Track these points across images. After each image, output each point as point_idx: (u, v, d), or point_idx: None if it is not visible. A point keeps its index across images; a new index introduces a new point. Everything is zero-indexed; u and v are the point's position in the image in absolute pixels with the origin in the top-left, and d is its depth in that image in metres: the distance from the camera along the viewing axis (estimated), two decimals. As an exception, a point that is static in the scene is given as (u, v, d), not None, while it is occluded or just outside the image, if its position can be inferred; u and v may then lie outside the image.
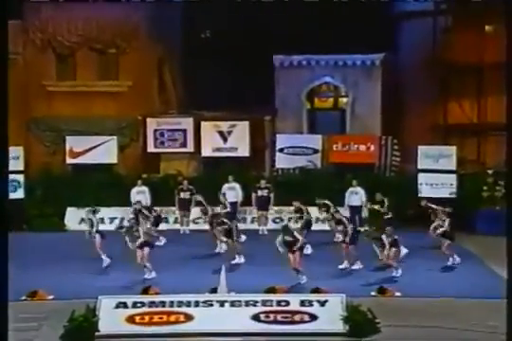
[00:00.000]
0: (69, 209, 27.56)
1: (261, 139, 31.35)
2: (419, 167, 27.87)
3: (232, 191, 26.92)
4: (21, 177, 27.32)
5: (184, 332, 16.13)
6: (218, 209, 23.65)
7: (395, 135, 30.32)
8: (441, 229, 21.92)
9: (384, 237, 20.49)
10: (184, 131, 30.56)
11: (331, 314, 16.38)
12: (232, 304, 16.75)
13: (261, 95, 30.93)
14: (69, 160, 29.63)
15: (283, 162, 30.17)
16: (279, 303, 16.79)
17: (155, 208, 25.47)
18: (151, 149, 30.82)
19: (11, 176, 24.15)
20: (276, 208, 26.83)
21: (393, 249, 20.53)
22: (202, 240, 24.18)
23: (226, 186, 26.91)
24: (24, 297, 18.23)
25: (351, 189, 26.57)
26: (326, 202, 24.32)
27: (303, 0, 29.65)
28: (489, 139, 30.77)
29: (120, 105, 30.69)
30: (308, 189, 26.11)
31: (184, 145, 30.56)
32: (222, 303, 16.76)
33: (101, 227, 23.10)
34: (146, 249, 20.30)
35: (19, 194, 26.98)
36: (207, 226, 24.20)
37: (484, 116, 31.08)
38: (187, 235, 26.47)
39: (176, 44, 32.72)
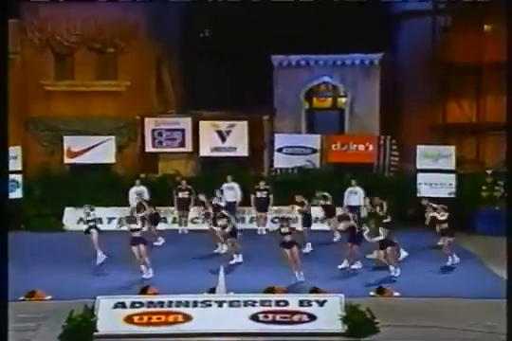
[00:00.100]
0: (67, 209, 27.52)
1: (259, 139, 31.32)
2: (418, 167, 27.83)
3: (231, 191, 26.88)
4: (19, 177, 27.27)
5: (182, 332, 16.13)
6: (215, 201, 23.83)
7: (394, 135, 30.30)
8: (443, 225, 21.89)
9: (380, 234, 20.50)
10: (182, 130, 30.52)
11: (330, 314, 16.37)
12: (231, 304, 16.74)
13: (259, 94, 30.91)
14: (67, 160, 29.57)
15: (281, 162, 30.13)
16: (277, 303, 16.78)
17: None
18: (149, 149, 30.78)
19: (9, 176, 24.09)
20: (275, 208, 26.78)
21: (389, 248, 20.45)
22: (201, 240, 24.16)
23: (224, 185, 26.87)
24: (22, 297, 18.19)
25: (350, 189, 26.56)
26: (325, 194, 24.73)
27: (302, 0, 29.62)
28: (488, 139, 30.77)
29: (119, 105, 30.64)
30: (307, 189, 26.02)
31: (182, 145, 30.52)
32: (220, 303, 16.75)
33: (101, 227, 23.13)
34: (142, 246, 20.26)
35: (17, 194, 26.93)
36: (206, 226, 24.21)
37: (484, 116, 31.09)
38: (185, 235, 26.42)
39: (175, 44, 32.71)
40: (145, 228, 24.20)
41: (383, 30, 31.06)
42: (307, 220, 23.87)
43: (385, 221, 21.48)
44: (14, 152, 26.14)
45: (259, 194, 26.61)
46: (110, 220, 26.70)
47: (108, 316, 16.34)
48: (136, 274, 20.18)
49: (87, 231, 22.14)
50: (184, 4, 31.63)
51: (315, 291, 18.01)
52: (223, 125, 30.34)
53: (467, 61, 30.44)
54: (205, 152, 30.43)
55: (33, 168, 29.01)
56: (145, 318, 16.43)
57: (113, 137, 29.58)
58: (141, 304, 16.74)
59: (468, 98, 31.43)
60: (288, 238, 19.96)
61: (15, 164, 26.34)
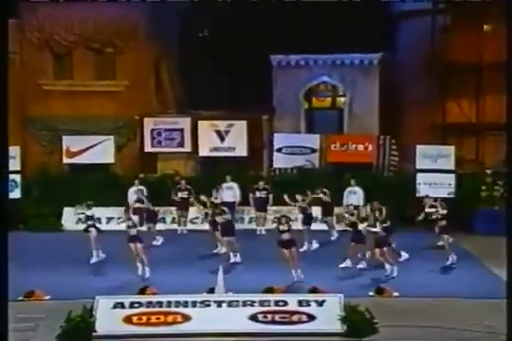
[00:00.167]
0: (66, 209, 27.49)
1: (258, 139, 31.29)
2: (417, 166, 27.83)
3: (230, 191, 26.86)
4: (18, 177, 27.24)
5: (181, 332, 16.09)
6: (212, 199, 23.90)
7: (394, 135, 30.28)
8: (441, 223, 21.86)
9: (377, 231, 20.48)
10: (181, 130, 30.50)
11: (329, 315, 16.34)
12: (230, 304, 16.70)
13: (258, 94, 30.88)
14: (66, 160, 29.56)
15: (280, 162, 30.11)
16: (277, 303, 16.75)
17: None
18: (148, 148, 30.75)
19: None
20: (274, 208, 26.74)
21: (386, 247, 20.40)
22: (200, 240, 24.15)
23: (223, 185, 26.86)
24: (21, 298, 18.16)
25: (349, 189, 26.54)
26: (325, 190, 24.85)
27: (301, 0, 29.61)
28: (488, 139, 30.74)
29: (118, 105, 30.60)
30: (306, 189, 25.97)
31: (181, 145, 30.50)
32: (219, 303, 16.72)
33: (100, 227, 23.12)
34: (138, 244, 20.24)
35: (16, 194, 26.90)
36: (205, 226, 24.18)
37: (483, 116, 31.05)
38: (184, 235, 26.38)
39: (174, 44, 32.67)
40: (144, 228, 24.26)
41: (382, 30, 31.04)
42: (308, 218, 23.83)
43: (384, 225, 21.42)
44: (13, 151, 26.08)
45: (258, 194, 26.60)
46: (109, 220, 26.69)
47: (107, 317, 16.30)
48: (135, 274, 20.14)
49: (86, 230, 22.10)
50: (183, 4, 31.58)
51: (314, 291, 17.98)
52: (222, 125, 30.32)
53: (467, 60, 30.40)
54: (204, 151, 30.41)
55: (32, 168, 29.00)
56: (144, 318, 16.40)
57: (112, 137, 29.56)
58: (140, 304, 16.70)
59: (468, 97, 31.40)
60: (286, 236, 19.93)
61: (14, 164, 26.31)
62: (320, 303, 16.69)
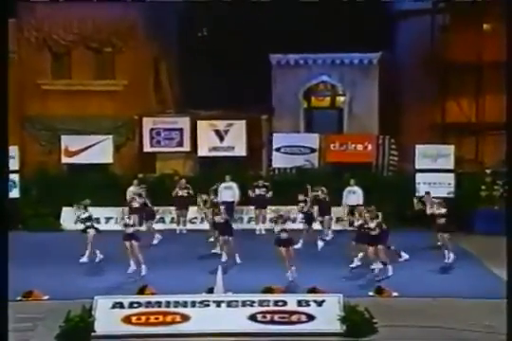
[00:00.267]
0: (65, 209, 27.43)
1: (258, 138, 31.26)
2: (417, 166, 27.80)
3: (229, 191, 26.81)
4: (16, 177, 27.19)
5: (180, 332, 16.06)
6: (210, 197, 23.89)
7: (393, 135, 30.26)
8: (440, 221, 21.81)
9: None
10: (180, 130, 30.46)
11: (328, 315, 16.33)
12: (229, 304, 16.68)
13: (258, 94, 30.84)
14: (65, 159, 29.50)
15: (280, 161, 30.08)
16: (276, 303, 16.73)
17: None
18: (147, 148, 30.71)
19: (8, 176, 24.04)
20: (273, 208, 26.66)
21: (380, 246, 20.33)
22: (199, 239, 24.13)
23: (222, 185, 26.81)
24: (19, 298, 18.12)
25: (348, 189, 26.49)
26: (322, 188, 24.78)
27: (301, -1, 29.64)
28: (487, 138, 30.73)
29: (116, 104, 30.56)
30: (305, 189, 25.92)
31: (180, 144, 30.46)
32: (218, 303, 16.69)
33: (98, 227, 23.05)
34: (134, 242, 20.19)
35: (14, 194, 26.84)
36: (204, 226, 24.14)
37: (483, 116, 31.05)
38: (183, 234, 26.32)
39: (173, 44, 32.63)
40: (143, 228, 24.21)
41: (382, 29, 31.01)
42: (309, 218, 23.76)
43: (378, 222, 21.36)
44: (12, 151, 25.98)
45: (258, 191, 26.54)
46: (108, 220, 26.64)
47: (106, 317, 16.28)
48: (134, 274, 20.10)
49: (84, 231, 22.00)
50: (182, 3, 31.54)
51: (313, 291, 17.94)
52: (221, 124, 30.28)
53: (467, 60, 30.38)
54: (203, 151, 30.36)
55: (30, 167, 28.96)
56: (143, 318, 16.38)
57: (110, 137, 29.51)
58: (139, 304, 16.68)
59: (468, 97, 31.37)
60: (284, 235, 19.87)
61: (12, 163, 26.19)
62: (320, 303, 16.66)
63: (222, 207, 22.48)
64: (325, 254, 22.88)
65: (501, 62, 23.87)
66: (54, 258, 22.24)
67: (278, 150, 30.17)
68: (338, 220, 26.76)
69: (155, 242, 24.32)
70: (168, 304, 16.65)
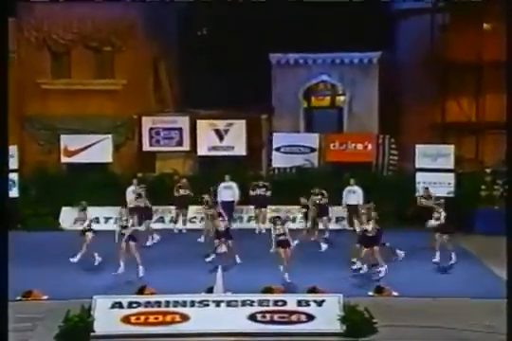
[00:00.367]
0: (64, 209, 27.40)
1: (257, 138, 31.24)
2: (417, 166, 27.76)
3: (229, 190, 26.77)
4: (15, 176, 27.16)
5: (180, 332, 16.02)
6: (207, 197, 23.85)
7: (393, 134, 30.23)
8: (436, 222, 21.77)
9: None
10: (180, 129, 30.44)
11: (328, 314, 16.29)
12: (229, 304, 16.64)
13: (257, 93, 30.83)
14: (64, 159, 29.47)
15: (279, 161, 30.05)
16: (275, 303, 16.68)
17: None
18: (146, 147, 30.68)
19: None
20: (273, 207, 26.66)
21: (376, 247, 20.26)
22: (198, 239, 24.13)
23: (222, 185, 26.78)
24: (18, 297, 18.09)
25: (348, 188, 26.43)
26: (323, 191, 24.70)
27: (300, -1, 29.59)
28: (488, 138, 30.70)
29: (116, 103, 30.54)
30: (305, 188, 25.92)
31: (180, 144, 30.44)
32: (218, 303, 16.65)
33: (97, 227, 23.02)
34: (131, 243, 20.14)
35: (13, 193, 26.79)
36: (205, 225, 24.11)
37: (483, 115, 31.02)
38: (184, 234, 26.28)
39: (172, 43, 32.62)
40: (141, 228, 24.14)
41: (382, 29, 30.97)
42: (313, 222, 23.74)
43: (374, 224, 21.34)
44: (11, 150, 25.92)
45: (258, 191, 26.49)
46: (107, 219, 26.58)
47: (105, 316, 16.24)
48: (133, 273, 20.06)
49: (83, 233, 21.87)
50: (181, 3, 31.51)
51: (313, 291, 17.91)
52: (221, 124, 30.26)
53: (467, 59, 30.35)
54: (203, 151, 30.34)
55: (30, 167, 28.92)
56: (142, 318, 16.33)
57: (110, 136, 29.48)
58: (138, 304, 16.63)
59: (468, 96, 31.34)
60: (282, 238, 19.82)
61: (12, 163, 26.14)
62: (320, 303, 16.63)
63: (223, 212, 22.42)
64: (325, 254, 22.86)
65: (501, 62, 23.84)
66: (53, 257, 22.17)
67: (278, 149, 30.15)
68: (338, 219, 26.75)
69: (148, 243, 24.02)
70: (167, 304, 16.60)
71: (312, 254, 22.54)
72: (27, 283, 18.71)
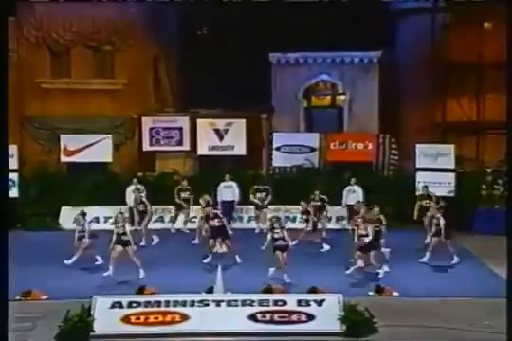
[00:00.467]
0: (64, 208, 27.38)
1: (257, 137, 31.22)
2: (417, 165, 27.75)
3: (229, 190, 26.73)
4: (15, 176, 27.13)
5: (180, 332, 15.98)
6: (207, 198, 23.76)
7: (393, 134, 30.23)
8: (434, 228, 21.75)
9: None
10: (180, 129, 30.43)
11: (328, 314, 16.23)
12: (229, 304, 16.60)
13: (257, 93, 30.77)
14: (64, 159, 29.46)
15: (280, 160, 30.05)
16: (276, 303, 16.64)
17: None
18: (146, 147, 30.66)
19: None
20: (273, 207, 26.62)
21: (372, 252, 20.22)
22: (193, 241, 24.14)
23: (222, 184, 26.74)
24: (18, 297, 18.06)
25: (348, 188, 26.40)
26: (324, 197, 24.64)
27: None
28: (488, 138, 30.67)
29: (116, 103, 30.50)
30: (305, 188, 25.91)
31: (180, 143, 30.43)
32: (218, 303, 16.61)
33: (97, 226, 22.98)
34: (128, 248, 20.10)
35: (13, 193, 26.76)
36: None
37: (483, 115, 31.00)
38: (184, 234, 26.22)
39: (172, 42, 32.58)
40: (141, 227, 24.11)
41: (382, 28, 30.92)
42: (313, 225, 23.70)
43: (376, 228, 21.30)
44: (11, 150, 25.92)
45: (258, 195, 26.36)
46: (107, 219, 26.53)
47: (105, 316, 16.19)
48: (132, 273, 20.04)
49: (79, 239, 21.76)
50: (181, 2, 31.47)
51: (313, 290, 17.88)
52: (221, 123, 30.25)
53: (467, 59, 30.33)
54: (203, 150, 30.34)
55: (30, 166, 28.89)
56: (142, 318, 16.28)
57: (110, 136, 29.47)
58: (138, 304, 16.58)
59: (468, 96, 31.32)
60: (280, 242, 19.78)
61: (11, 163, 26.09)
62: (320, 303, 16.59)
63: (218, 212, 22.39)
64: (325, 253, 22.83)
65: (501, 61, 23.78)
66: (53, 257, 22.12)
67: (278, 149, 30.15)
68: (338, 219, 26.73)
69: (142, 243, 23.88)
70: (167, 304, 16.55)
71: (312, 254, 22.52)
72: (27, 283, 18.68)
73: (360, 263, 20.17)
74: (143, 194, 25.43)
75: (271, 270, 19.67)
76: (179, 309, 16.43)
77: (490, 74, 29.37)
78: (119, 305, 16.51)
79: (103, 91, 30.72)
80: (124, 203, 26.26)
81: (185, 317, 16.26)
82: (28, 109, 30.74)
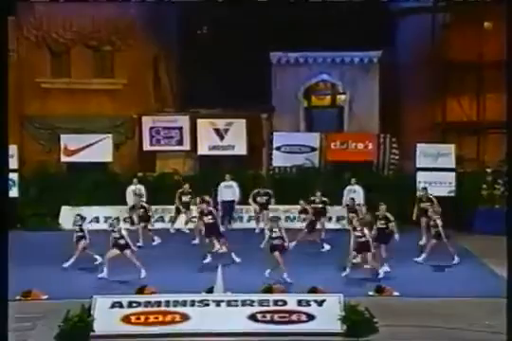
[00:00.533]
0: (64, 208, 27.37)
1: (258, 137, 31.20)
2: (418, 165, 27.74)
3: (229, 190, 26.71)
4: (15, 176, 27.12)
5: (180, 332, 15.97)
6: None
7: (394, 133, 30.21)
8: (434, 230, 21.74)
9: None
10: (180, 128, 30.42)
11: (328, 314, 16.22)
12: (229, 304, 16.58)
13: (258, 92, 30.74)
14: (64, 158, 29.45)
15: (280, 160, 30.03)
16: (276, 303, 16.63)
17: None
18: (146, 147, 30.65)
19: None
20: (273, 207, 26.59)
21: (369, 253, 20.19)
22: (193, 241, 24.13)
23: (222, 184, 26.73)
24: (18, 297, 18.06)
25: (349, 188, 26.38)
26: (325, 199, 24.55)
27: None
28: (488, 137, 30.65)
29: (116, 103, 30.48)
30: (306, 188, 25.90)
31: (180, 143, 30.42)
32: (218, 303, 16.60)
33: (97, 226, 22.95)
34: (127, 252, 20.07)
35: (13, 193, 26.75)
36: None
37: (483, 114, 30.96)
38: (184, 234, 26.21)
39: (172, 42, 32.54)
40: (140, 226, 24.10)
41: (382, 28, 30.89)
42: (311, 225, 23.68)
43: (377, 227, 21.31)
44: (11, 150, 25.87)
45: (259, 199, 26.24)
46: (106, 219, 26.49)
47: (105, 316, 16.18)
48: (133, 273, 20.03)
49: (77, 240, 21.73)
50: (181, 2, 31.45)
51: (313, 290, 17.87)
52: (221, 123, 30.24)
53: (467, 59, 30.30)
54: (203, 150, 30.33)
55: (30, 166, 28.88)
56: (142, 318, 16.27)
57: (110, 136, 29.46)
58: (138, 304, 16.56)
59: (468, 96, 31.28)
60: (277, 241, 19.78)
61: (12, 162, 26.08)
62: (320, 303, 16.58)
63: (213, 209, 22.37)
64: (325, 253, 22.82)
65: (501, 61, 23.73)
66: (53, 257, 22.11)
67: (278, 148, 30.14)
68: (339, 219, 26.72)
69: (139, 244, 23.81)
70: (167, 304, 16.54)
71: (312, 254, 22.51)
72: (27, 283, 18.67)
73: (355, 260, 20.19)
74: (143, 198, 25.40)
75: (267, 272, 19.64)
76: (179, 309, 16.41)
77: (490, 74, 29.34)
78: (120, 305, 16.49)
79: (103, 91, 30.70)
80: (124, 202, 26.26)
81: (185, 317, 16.25)
82: (29, 109, 30.72)
